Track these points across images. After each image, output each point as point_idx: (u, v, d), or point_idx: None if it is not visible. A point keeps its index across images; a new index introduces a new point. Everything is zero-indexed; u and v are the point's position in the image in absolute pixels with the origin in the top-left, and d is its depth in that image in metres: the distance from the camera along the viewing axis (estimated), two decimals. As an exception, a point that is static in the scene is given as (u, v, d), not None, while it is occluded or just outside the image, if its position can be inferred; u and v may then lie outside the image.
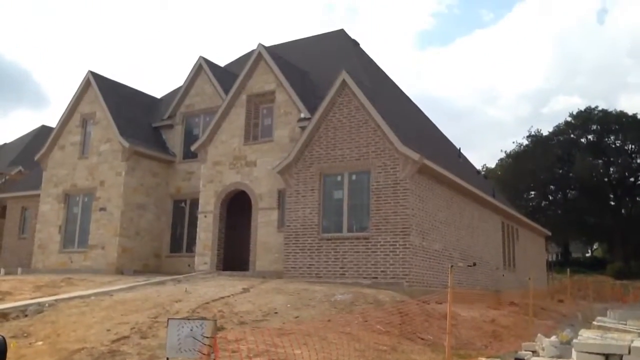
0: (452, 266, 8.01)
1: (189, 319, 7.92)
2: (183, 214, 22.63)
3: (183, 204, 22.73)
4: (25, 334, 10.46)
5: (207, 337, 4.71)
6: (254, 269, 18.33)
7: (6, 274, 21.85)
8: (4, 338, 3.31)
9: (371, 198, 16.05)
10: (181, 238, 22.40)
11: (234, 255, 19.86)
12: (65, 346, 9.52)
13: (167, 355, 7.25)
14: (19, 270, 22.30)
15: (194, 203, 21.58)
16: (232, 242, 20.04)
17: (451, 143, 29.25)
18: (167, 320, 7.56)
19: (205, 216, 19.99)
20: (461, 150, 26.95)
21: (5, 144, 43.49)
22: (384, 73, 27.28)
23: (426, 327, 12.41)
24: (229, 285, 14.87)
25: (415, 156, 15.69)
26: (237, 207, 20.00)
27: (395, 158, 15.94)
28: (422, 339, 11.72)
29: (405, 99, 27.69)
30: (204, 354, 4.62)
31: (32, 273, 21.27)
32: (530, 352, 8.55)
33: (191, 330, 7.23)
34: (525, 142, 57.66)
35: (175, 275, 18.39)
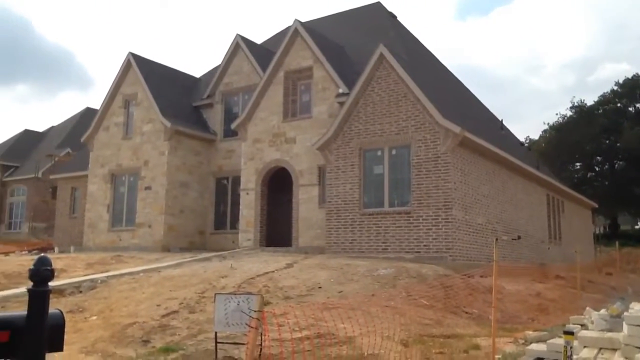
0: (496, 239, 7.92)
1: (235, 294, 8.11)
2: (225, 192, 22.97)
3: (225, 182, 23.06)
4: (80, 309, 10.88)
5: (255, 311, 4.80)
6: (296, 244, 18.53)
7: (60, 252, 22.71)
8: (61, 312, 3.45)
9: (412, 172, 15.95)
10: (224, 215, 22.77)
11: (276, 232, 20.09)
12: (118, 320, 9.87)
13: (215, 329, 7.45)
14: (72, 248, 23.12)
15: (236, 180, 21.87)
16: (274, 219, 20.26)
17: (493, 115, 28.69)
18: (214, 296, 7.76)
19: (247, 193, 20.24)
20: (503, 122, 26.41)
21: (53, 126, 44.80)
22: (422, 45, 26.84)
23: (470, 301, 12.37)
24: (273, 260, 15.09)
25: (456, 129, 15.47)
26: (278, 184, 20.17)
27: (435, 131, 15.76)
28: (467, 312, 11.69)
29: (444, 71, 27.22)
30: (252, 327, 4.71)
31: (83, 251, 22.03)
32: (579, 326, 8.42)
33: (238, 304, 7.41)
34: (570, 113, 56.03)
35: (220, 251, 18.76)
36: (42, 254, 3.41)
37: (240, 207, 20.46)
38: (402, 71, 16.38)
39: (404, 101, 16.34)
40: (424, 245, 15.47)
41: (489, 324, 10.82)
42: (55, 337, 3.42)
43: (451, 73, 28.18)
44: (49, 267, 3.35)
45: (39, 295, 3.32)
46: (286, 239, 19.20)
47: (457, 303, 12.02)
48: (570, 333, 5.21)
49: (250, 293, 8.33)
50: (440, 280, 13.26)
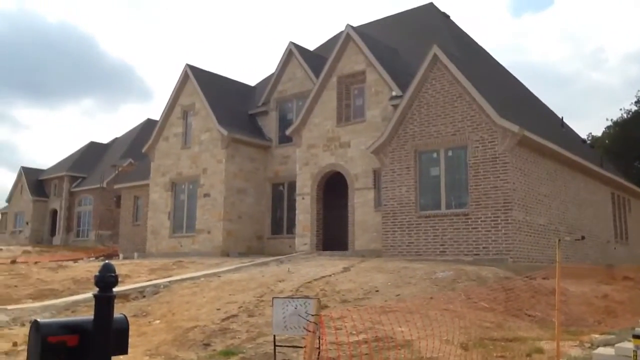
0: (559, 240, 7.70)
1: (293, 298, 8.18)
2: (282, 197, 23.24)
3: (281, 187, 23.33)
4: (144, 313, 11.24)
5: (312, 315, 4.84)
6: (352, 248, 18.53)
7: (124, 258, 23.55)
8: (125, 317, 3.58)
9: (469, 173, 15.69)
10: (281, 220, 23.04)
11: (332, 236, 20.15)
12: (180, 324, 10.14)
13: (274, 332, 7.54)
14: (135, 255, 23.93)
15: (292, 186, 22.10)
16: (330, 223, 20.34)
17: (553, 112, 27.87)
18: (272, 299, 7.87)
19: (303, 198, 20.41)
20: (564, 120, 25.61)
21: (116, 138, 46.54)
22: (477, 45, 26.38)
23: (533, 304, 12.03)
24: (329, 264, 15.14)
25: (515, 128, 15.13)
26: (333, 188, 20.24)
27: (493, 131, 15.45)
28: (529, 315, 11.38)
29: (501, 69, 26.65)
30: (310, 331, 4.76)
31: (146, 257, 22.75)
32: (649, 329, 8.06)
33: (295, 308, 7.48)
34: (634, 107, 53.68)
35: (277, 256, 18.99)
36: (107, 261, 3.56)
37: (297, 212, 20.65)
38: (457, 71, 16.16)
39: (459, 101, 16.11)
40: (483, 247, 15.17)
41: (552, 326, 10.49)
42: (120, 341, 3.57)
43: (508, 71, 27.56)
44: (113, 274, 3.49)
45: (104, 301, 3.46)
46: (342, 242, 19.23)
47: (518, 306, 11.71)
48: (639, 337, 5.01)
49: (307, 297, 8.40)
50: (501, 282, 12.96)
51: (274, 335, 7.53)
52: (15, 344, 9.01)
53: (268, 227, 23.27)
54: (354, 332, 8.52)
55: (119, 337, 3.53)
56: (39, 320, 3.28)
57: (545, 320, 10.96)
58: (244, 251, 21.91)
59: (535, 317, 11.31)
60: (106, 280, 3.44)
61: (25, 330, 10.27)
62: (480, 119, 15.66)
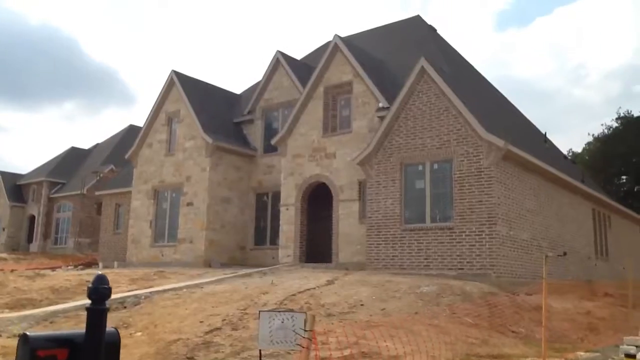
0: (546, 256, 7.71)
1: (279, 311, 8.07)
2: (266, 207, 23.09)
3: (265, 198, 23.19)
4: (125, 325, 11.02)
5: (306, 330, 4.74)
6: (336, 260, 18.43)
7: (104, 267, 23.17)
8: (117, 330, 3.46)
9: (454, 187, 15.72)
10: (265, 231, 22.87)
11: (316, 247, 20.04)
12: (163, 337, 9.94)
13: (260, 346, 7.40)
14: (115, 264, 23.56)
15: (276, 196, 21.96)
16: (314, 234, 20.23)
17: (536, 128, 28.14)
18: (258, 313, 7.73)
19: (287, 209, 20.28)
20: (547, 135, 25.87)
21: (98, 144, 46.00)
22: (463, 58, 26.59)
23: (517, 320, 12.04)
24: (313, 277, 15.02)
25: (500, 142, 15.20)
26: (318, 199, 20.15)
27: (478, 145, 15.51)
28: (513, 331, 11.38)
29: (485, 83, 26.88)
30: (303, 347, 4.65)
31: (126, 266, 22.41)
32: (634, 347, 8.08)
33: (282, 322, 7.36)
34: (615, 124, 54.51)
35: (260, 267, 18.81)
36: (100, 273, 3.43)
37: (280, 223, 20.51)
38: (444, 84, 16.22)
39: (445, 115, 16.16)
40: (467, 262, 15.18)
41: (536, 343, 10.51)
42: (111, 355, 3.45)
43: (493, 86, 27.81)
44: (106, 286, 3.37)
45: (97, 313, 3.34)
46: (326, 255, 19.13)
47: (502, 322, 11.71)
48: (631, 356, 4.97)
49: (294, 310, 8.28)
50: (485, 298, 12.96)
51: (260, 350, 7.42)
52: (-9, 356, 8.75)
53: (251, 238, 23.08)
54: (339, 347, 8.43)
55: (109, 351, 3.41)
56: (27, 333, 3.15)
57: (529, 337, 10.97)
58: (226, 262, 21.69)
59: (519, 334, 11.31)
60: (100, 292, 3.32)
61: (3, 341, 9.99)
62: (466, 133, 15.71)
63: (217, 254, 21.70)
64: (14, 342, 9.99)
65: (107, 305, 3.35)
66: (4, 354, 8.94)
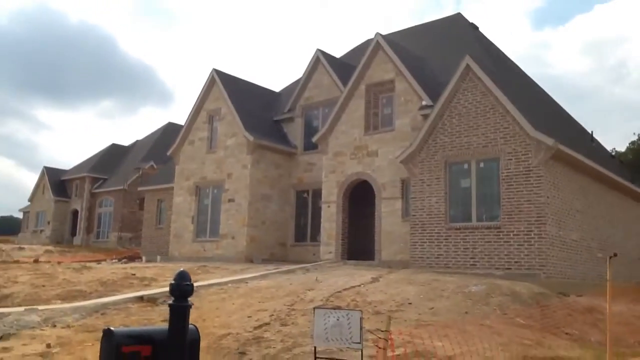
0: (610, 257, 7.47)
1: (335, 309, 8.02)
2: (306, 205, 23.10)
3: (305, 195, 23.20)
4: (174, 319, 11.11)
5: (382, 331, 4.68)
6: (379, 258, 18.31)
7: (147, 261, 23.52)
8: (196, 328, 3.43)
9: (501, 186, 15.43)
10: (305, 228, 22.89)
11: (358, 245, 19.97)
12: (212, 331, 9.99)
13: (315, 344, 7.37)
14: (158, 258, 23.90)
15: (316, 193, 21.98)
16: (355, 232, 20.15)
17: (581, 126, 27.46)
18: (313, 310, 7.70)
19: (329, 206, 20.25)
20: (593, 134, 25.21)
21: (137, 140, 46.75)
22: (506, 56, 26.11)
23: (569, 322, 11.75)
24: (357, 274, 14.94)
25: (549, 141, 14.86)
26: (359, 197, 20.07)
27: (526, 144, 15.20)
28: (567, 333, 11.10)
29: (529, 81, 26.34)
30: (380, 347, 4.59)
31: (169, 261, 22.71)
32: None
33: (337, 320, 7.31)
34: (661, 122, 52.80)
35: (300, 263, 18.82)
36: (182, 269, 3.42)
37: (322, 220, 20.48)
38: (490, 82, 15.94)
39: (491, 113, 15.88)
40: (515, 262, 14.89)
41: (591, 346, 10.23)
42: (192, 352, 3.42)
43: (536, 83, 27.23)
44: (189, 282, 3.33)
45: (180, 311, 3.31)
46: (367, 252, 19.03)
47: (555, 323, 11.43)
48: None
49: (339, 307, 8.23)
50: (536, 298, 12.70)
51: (315, 347, 7.38)
52: (48, 346, 8.94)
53: (292, 234, 23.13)
54: (390, 346, 8.34)
55: (190, 348, 3.39)
56: (112, 329, 3.15)
57: (583, 339, 10.69)
58: (266, 257, 21.77)
59: (573, 335, 11.03)
60: (182, 289, 3.29)
61: (58, 331, 10.20)
62: (514, 131, 15.41)
63: (258, 250, 21.81)
64: (68, 333, 10.20)
65: (190, 303, 3.32)
66: (61, 344, 9.11)
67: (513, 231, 14.99)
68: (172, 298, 3.31)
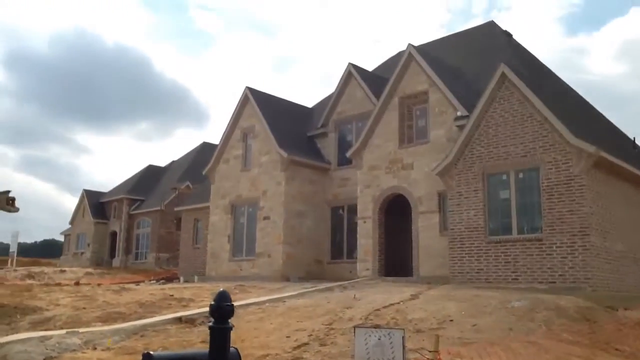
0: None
1: (376, 328, 7.82)
2: (341, 221, 22.93)
3: (341, 211, 23.03)
4: (212, 340, 11.03)
5: (429, 351, 4.49)
6: (417, 274, 17.98)
7: (185, 281, 23.63)
8: (237, 351, 3.31)
9: (542, 196, 15.00)
10: (341, 244, 22.70)
11: (395, 261, 19.66)
12: (251, 352, 9.87)
13: (356, 365, 7.19)
14: (195, 278, 24.01)
15: (351, 209, 21.80)
16: (393, 247, 19.86)
17: (622, 132, 26.64)
18: (354, 329, 7.52)
19: (365, 222, 20.03)
20: (636, 140, 24.39)
21: (173, 161, 47.40)
22: (541, 63, 25.58)
23: (620, 337, 11.23)
24: (396, 291, 14.67)
25: (591, 148, 14.41)
26: (396, 212, 19.80)
27: (567, 152, 14.76)
28: (617, 349, 10.61)
29: (566, 88, 25.74)
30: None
31: (206, 280, 22.77)
32: None
33: (379, 339, 7.11)
34: None
35: (337, 281, 18.60)
36: (222, 289, 3.31)
37: (358, 236, 20.26)
38: (527, 90, 15.59)
39: (530, 121, 15.51)
40: (559, 275, 14.40)
41: (645, 363, 9.74)
42: (233, 376, 3.29)
43: (574, 90, 26.60)
44: (229, 303, 3.22)
45: (221, 333, 3.20)
46: (405, 268, 18.72)
47: (605, 338, 10.94)
48: None
49: (392, 328, 8.01)
50: (582, 313, 12.20)
51: (356, 369, 7.18)
52: (89, 370, 8.95)
53: (327, 251, 22.96)
54: (436, 366, 8.08)
55: (232, 371, 3.26)
56: (152, 353, 3.05)
57: (635, 356, 10.19)
58: (303, 275, 21.63)
59: (624, 352, 10.53)
60: (222, 310, 3.18)
61: (98, 354, 10.23)
62: (553, 139, 15.00)
63: (294, 267, 21.70)
64: (108, 355, 10.21)
65: (231, 325, 3.21)
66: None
67: (556, 243, 14.53)
68: (212, 320, 3.20)
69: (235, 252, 23.73)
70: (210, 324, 3.19)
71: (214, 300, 3.20)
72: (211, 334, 3.17)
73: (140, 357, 3.08)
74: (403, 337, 6.96)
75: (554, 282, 14.34)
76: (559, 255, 14.45)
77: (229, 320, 3.21)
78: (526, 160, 15.48)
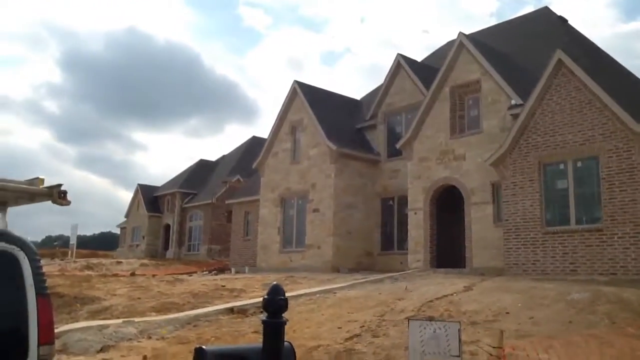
0: None
1: (431, 320, 7.64)
2: (391, 212, 22.70)
3: (390, 202, 22.80)
4: (264, 330, 11.07)
5: (494, 347, 4.32)
6: (470, 265, 17.62)
7: (236, 272, 23.93)
8: (291, 345, 3.24)
9: (602, 186, 14.41)
10: (391, 236, 22.48)
11: (447, 252, 19.32)
12: (302, 343, 9.84)
13: (410, 357, 7.02)
14: (246, 269, 24.27)
15: (401, 201, 21.55)
16: (444, 239, 19.51)
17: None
18: (408, 321, 7.37)
19: (415, 213, 19.75)
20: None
21: (224, 155, 48.05)
22: (599, 48, 24.57)
23: (687, 332, 10.69)
24: (448, 283, 14.40)
25: (655, 135, 13.74)
26: (447, 203, 19.44)
27: (628, 139, 14.12)
28: (685, 345, 10.11)
29: (625, 73, 24.64)
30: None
31: (257, 272, 22.99)
32: None
33: (434, 332, 6.93)
34: None
35: (388, 272, 18.43)
36: (275, 283, 3.23)
37: (408, 228, 20.01)
38: (585, 76, 14.98)
39: (588, 108, 14.90)
40: (621, 266, 13.81)
41: None
42: (287, 371, 3.20)
43: (635, 75, 25.44)
44: (283, 297, 3.12)
45: (274, 327, 3.10)
46: (457, 259, 18.36)
47: (671, 333, 10.43)
48: None
49: (447, 320, 7.83)
50: (647, 306, 11.67)
51: (410, 360, 7.03)
52: (144, 358, 9.11)
53: (377, 243, 22.78)
54: (490, 359, 7.85)
55: (286, 367, 3.18)
56: (204, 347, 3.00)
57: None
58: (353, 267, 21.54)
59: (693, 348, 10.01)
60: (276, 304, 3.09)
61: (153, 343, 10.42)
62: (614, 127, 14.37)
63: (344, 259, 21.63)
64: (163, 344, 10.38)
65: (285, 319, 3.13)
66: (156, 356, 9.27)
67: (617, 234, 13.93)
68: (266, 313, 3.11)
69: (285, 244, 23.85)
70: (264, 317, 3.11)
71: (267, 294, 3.12)
72: (264, 328, 3.10)
73: (193, 347, 3.04)
74: (459, 329, 6.77)
75: (616, 274, 13.76)
76: (621, 246, 13.86)
77: (283, 315, 3.12)
78: (585, 149, 14.89)
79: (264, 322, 3.07)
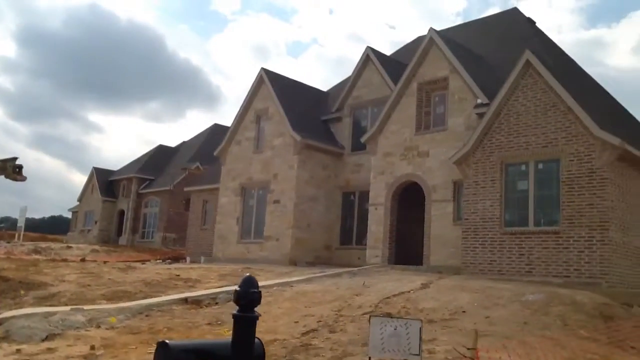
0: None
1: (392, 318, 7.51)
2: (352, 207, 22.59)
3: (352, 197, 22.69)
4: (219, 322, 10.78)
5: (468, 349, 4.17)
6: (428, 263, 17.64)
7: (191, 262, 23.45)
8: (261, 342, 3.00)
9: (562, 189, 14.58)
10: (351, 230, 22.38)
11: (406, 249, 19.32)
12: (258, 336, 9.60)
13: (370, 354, 6.88)
14: (202, 259, 23.80)
15: (363, 195, 21.44)
16: (403, 236, 19.51)
17: (643, 127, 25.97)
18: (370, 318, 7.21)
19: (376, 209, 19.67)
20: (657, 135, 23.76)
21: (184, 142, 47.17)
22: (564, 52, 24.95)
23: (636, 335, 10.88)
24: (406, 279, 14.37)
25: (615, 141, 13.95)
26: (409, 200, 19.42)
27: (590, 144, 14.31)
28: (633, 347, 10.27)
29: (590, 79, 25.10)
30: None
31: (213, 262, 22.56)
32: None
33: (395, 329, 6.79)
34: None
35: (346, 267, 18.32)
36: (248, 275, 2.97)
37: (369, 223, 19.92)
38: (552, 78, 15.10)
39: (552, 111, 15.04)
40: (575, 269, 14.02)
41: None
42: (256, 368, 2.97)
43: (597, 82, 25.95)
44: (256, 290, 2.88)
45: (246, 322, 2.86)
46: (415, 257, 18.37)
47: (622, 336, 10.58)
48: None
49: (408, 318, 7.69)
50: (599, 309, 11.82)
51: (369, 358, 6.88)
52: (92, 348, 8.71)
53: (337, 237, 22.64)
54: (450, 357, 7.78)
55: (254, 364, 2.96)
56: (167, 342, 2.75)
57: (652, 355, 9.83)
58: (311, 260, 21.35)
59: (641, 351, 10.19)
60: (249, 298, 2.87)
61: (102, 332, 10.00)
62: (577, 131, 14.54)
63: (302, 252, 21.43)
64: (112, 334, 9.98)
65: (258, 313, 2.89)
66: (105, 346, 8.87)
67: (573, 237, 14.13)
68: (237, 307, 2.87)
69: (243, 235, 23.48)
70: (235, 311, 2.87)
71: (240, 286, 2.89)
72: (235, 323, 2.85)
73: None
74: (420, 328, 6.66)
75: (569, 277, 13.97)
76: (576, 249, 14.06)
77: (255, 309, 2.89)
78: (547, 151, 15.04)
79: (234, 316, 2.83)
